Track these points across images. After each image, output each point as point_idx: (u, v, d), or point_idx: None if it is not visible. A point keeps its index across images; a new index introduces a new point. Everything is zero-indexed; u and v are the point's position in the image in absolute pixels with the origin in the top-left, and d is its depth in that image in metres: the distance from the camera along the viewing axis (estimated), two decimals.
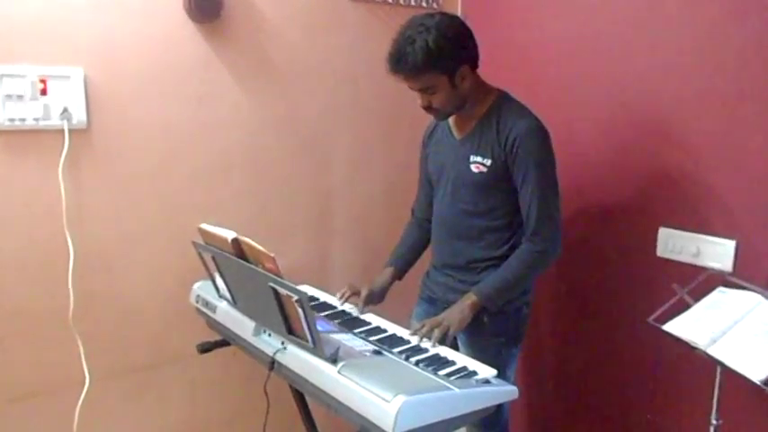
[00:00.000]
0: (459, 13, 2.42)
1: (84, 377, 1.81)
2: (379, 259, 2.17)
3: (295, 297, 1.34)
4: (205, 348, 1.84)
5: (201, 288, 1.89)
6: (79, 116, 1.76)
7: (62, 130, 1.73)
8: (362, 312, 1.81)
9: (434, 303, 1.88)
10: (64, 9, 1.71)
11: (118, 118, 1.83)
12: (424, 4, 2.35)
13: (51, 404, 1.82)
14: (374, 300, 1.88)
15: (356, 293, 1.86)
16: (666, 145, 1.91)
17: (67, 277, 1.76)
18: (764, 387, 1.40)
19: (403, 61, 1.61)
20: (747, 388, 1.44)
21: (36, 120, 1.70)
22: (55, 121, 1.72)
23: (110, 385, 1.90)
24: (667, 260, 1.93)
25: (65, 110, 1.73)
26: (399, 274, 1.97)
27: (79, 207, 1.80)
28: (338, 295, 1.88)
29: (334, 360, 1.39)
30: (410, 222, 2.05)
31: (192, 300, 1.91)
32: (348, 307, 1.85)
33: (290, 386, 1.79)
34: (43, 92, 1.70)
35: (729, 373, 1.49)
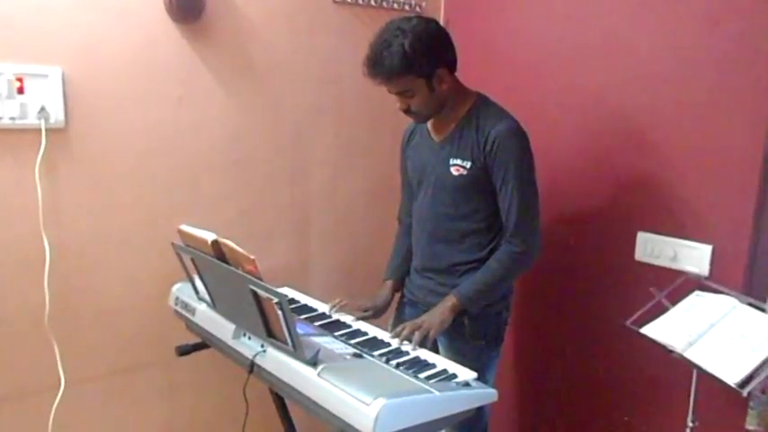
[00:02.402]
0: (441, 18, 2.43)
1: (60, 380, 1.78)
2: (360, 262, 2.17)
3: (275, 300, 1.33)
4: (184, 351, 1.82)
5: (180, 290, 1.88)
6: (57, 115, 1.73)
7: (39, 130, 1.71)
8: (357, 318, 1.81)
9: (415, 306, 1.88)
10: (42, 6, 1.69)
11: (96, 118, 1.81)
12: (406, 8, 2.36)
13: (25, 408, 1.79)
14: (377, 314, 1.87)
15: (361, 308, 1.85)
16: (645, 151, 1.94)
17: (43, 278, 1.73)
18: (740, 390, 1.42)
19: (379, 65, 1.62)
20: (723, 390, 1.45)
21: (12, 119, 1.67)
22: (32, 120, 1.70)
23: (86, 389, 1.88)
24: (645, 264, 1.95)
25: (42, 109, 1.70)
26: (398, 285, 1.97)
27: (56, 207, 1.77)
28: (331, 305, 1.85)
29: (314, 363, 1.39)
30: (399, 230, 2.04)
31: (171, 302, 1.89)
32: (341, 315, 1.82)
33: (270, 389, 1.78)
34: (20, 90, 1.67)
35: (705, 376, 1.51)
